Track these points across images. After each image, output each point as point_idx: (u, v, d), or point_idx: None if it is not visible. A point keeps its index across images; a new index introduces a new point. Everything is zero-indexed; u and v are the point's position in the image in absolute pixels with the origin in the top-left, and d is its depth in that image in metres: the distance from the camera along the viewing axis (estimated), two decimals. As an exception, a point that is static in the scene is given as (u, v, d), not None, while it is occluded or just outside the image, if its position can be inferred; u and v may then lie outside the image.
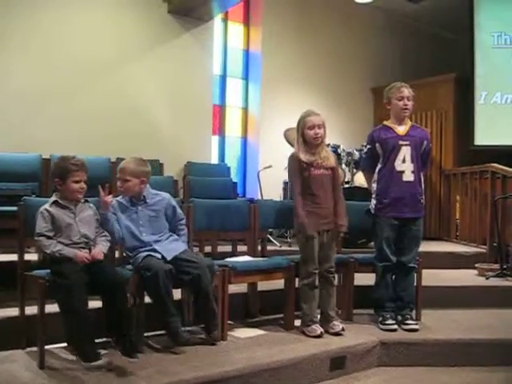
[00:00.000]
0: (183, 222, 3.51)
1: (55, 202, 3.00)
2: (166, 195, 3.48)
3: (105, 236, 3.15)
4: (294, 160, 3.62)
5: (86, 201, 3.14)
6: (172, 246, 3.30)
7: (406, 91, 3.75)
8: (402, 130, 3.79)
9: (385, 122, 3.90)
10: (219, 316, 3.32)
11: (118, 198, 3.35)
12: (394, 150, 3.73)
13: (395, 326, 3.69)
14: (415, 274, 3.88)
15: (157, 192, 3.45)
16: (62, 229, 2.96)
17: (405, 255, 3.77)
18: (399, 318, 3.77)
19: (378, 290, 3.82)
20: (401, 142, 3.73)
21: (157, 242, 3.27)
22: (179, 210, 3.49)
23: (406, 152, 3.72)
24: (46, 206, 2.98)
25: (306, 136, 3.58)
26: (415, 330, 3.67)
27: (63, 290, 2.74)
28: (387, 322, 3.70)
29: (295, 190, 3.61)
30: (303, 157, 3.56)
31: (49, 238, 2.91)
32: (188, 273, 3.16)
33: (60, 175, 3.00)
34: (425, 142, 3.82)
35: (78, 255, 2.88)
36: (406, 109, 3.76)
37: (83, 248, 2.99)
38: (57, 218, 2.95)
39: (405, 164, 3.72)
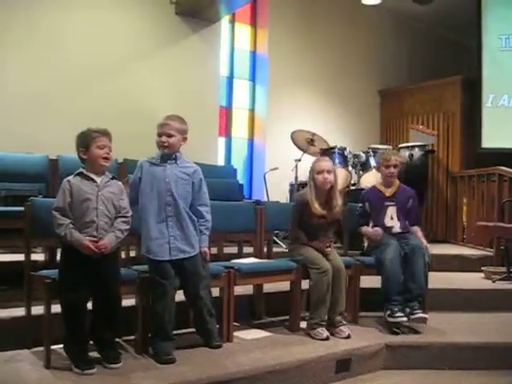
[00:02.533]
0: (207, 209, 3.25)
1: (80, 174, 2.89)
2: (197, 167, 3.29)
3: (123, 222, 2.92)
4: (301, 203, 3.79)
5: (114, 177, 3.00)
6: (184, 246, 3.12)
7: (393, 159, 4.12)
8: (389, 191, 4.17)
9: (375, 184, 4.32)
10: (225, 317, 3.33)
11: (146, 159, 3.24)
12: (382, 209, 4.11)
13: (405, 318, 3.69)
14: (425, 262, 3.86)
15: (188, 160, 3.30)
16: (78, 204, 2.80)
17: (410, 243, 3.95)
18: (407, 310, 3.76)
19: (387, 283, 3.81)
20: (386, 203, 4.13)
21: (174, 235, 3.10)
22: (205, 189, 3.26)
23: (392, 211, 4.11)
24: (70, 177, 2.88)
25: (316, 181, 3.73)
26: (424, 320, 3.69)
27: (65, 301, 2.75)
28: (396, 315, 3.69)
29: (293, 227, 3.83)
30: (316, 207, 3.69)
31: (64, 215, 2.78)
32: (191, 285, 3.12)
33: (83, 143, 2.89)
34: (410, 201, 4.17)
35: (84, 246, 2.73)
36: (391, 176, 4.14)
37: (92, 236, 2.80)
38: (76, 191, 2.80)
39: (393, 221, 4.10)
